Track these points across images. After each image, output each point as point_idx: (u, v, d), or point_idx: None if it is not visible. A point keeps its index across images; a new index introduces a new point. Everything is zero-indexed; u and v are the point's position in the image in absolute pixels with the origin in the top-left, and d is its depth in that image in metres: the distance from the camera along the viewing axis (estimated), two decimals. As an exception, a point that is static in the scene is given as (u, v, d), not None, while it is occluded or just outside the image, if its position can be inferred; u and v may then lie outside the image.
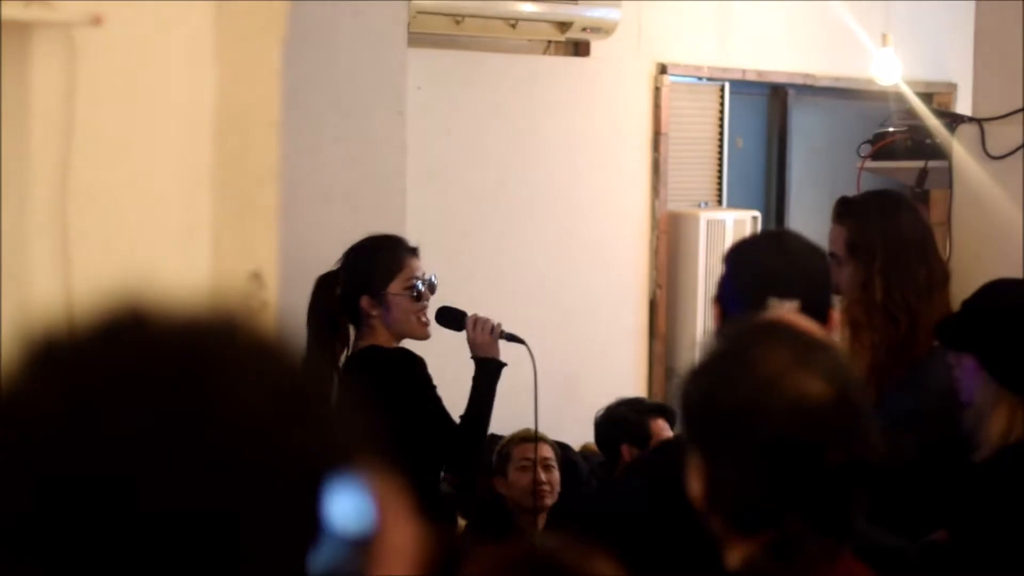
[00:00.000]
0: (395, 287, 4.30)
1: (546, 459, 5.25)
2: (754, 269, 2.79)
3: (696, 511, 2.06)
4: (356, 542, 0.85)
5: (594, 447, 5.90)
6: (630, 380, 7.08)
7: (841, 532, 1.99)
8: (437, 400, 4.26)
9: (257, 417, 0.84)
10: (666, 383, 7.34)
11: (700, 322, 7.24)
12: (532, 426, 4.90)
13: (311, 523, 0.83)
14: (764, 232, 6.73)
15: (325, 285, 4.41)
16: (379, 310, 4.31)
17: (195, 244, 2.41)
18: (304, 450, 0.85)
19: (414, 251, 4.39)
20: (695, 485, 1.99)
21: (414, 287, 4.30)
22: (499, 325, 4.37)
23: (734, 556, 1.99)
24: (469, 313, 4.44)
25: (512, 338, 4.39)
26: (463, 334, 4.42)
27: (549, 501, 5.21)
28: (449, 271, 6.29)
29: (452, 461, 4.46)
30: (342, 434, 0.88)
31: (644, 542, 2.36)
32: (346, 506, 0.85)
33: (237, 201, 2.44)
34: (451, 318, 4.41)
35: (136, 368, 0.85)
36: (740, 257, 2.89)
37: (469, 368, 4.41)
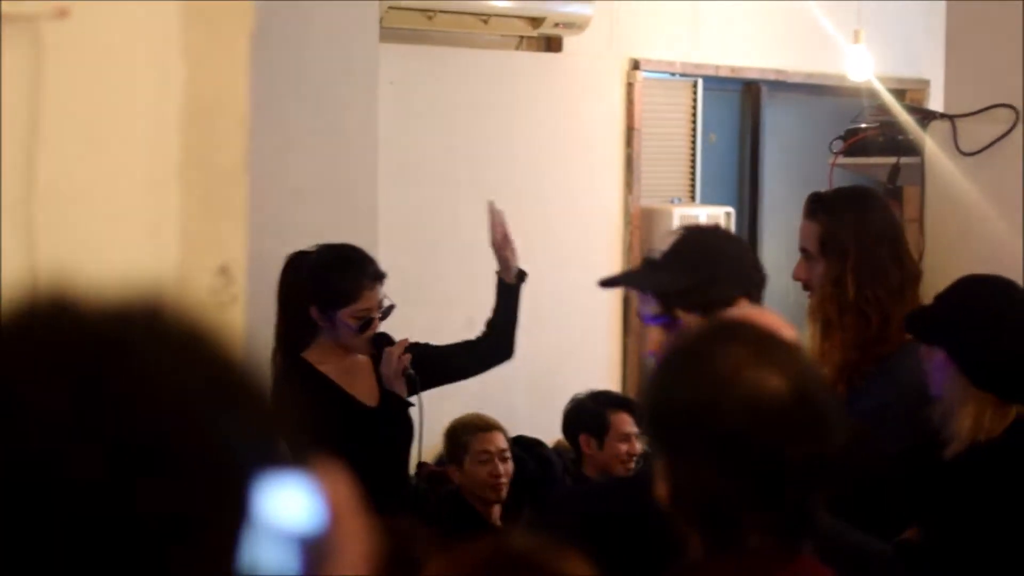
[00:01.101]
0: (344, 314, 4.27)
1: (503, 450, 5.31)
2: (697, 246, 2.71)
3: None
4: (301, 540, 0.82)
5: (567, 443, 5.90)
6: (604, 375, 7.07)
7: (798, 530, 1.94)
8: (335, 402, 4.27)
9: (179, 407, 0.81)
10: (640, 378, 7.33)
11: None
12: (479, 413, 5.08)
13: (241, 519, 0.80)
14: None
15: (297, 265, 4.39)
16: (326, 324, 4.30)
17: (163, 238, 2.39)
18: (233, 442, 0.81)
19: (379, 278, 4.32)
20: (660, 485, 1.95)
21: (362, 320, 4.27)
22: (406, 357, 4.35)
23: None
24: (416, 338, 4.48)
25: (409, 377, 4.37)
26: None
27: (505, 493, 5.28)
28: (420, 267, 6.29)
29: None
30: (278, 427, 0.85)
31: (615, 540, 2.34)
32: (288, 503, 0.81)
33: (205, 196, 2.42)
34: (379, 345, 4.39)
35: (53, 355, 0.82)
36: (685, 245, 2.74)
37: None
